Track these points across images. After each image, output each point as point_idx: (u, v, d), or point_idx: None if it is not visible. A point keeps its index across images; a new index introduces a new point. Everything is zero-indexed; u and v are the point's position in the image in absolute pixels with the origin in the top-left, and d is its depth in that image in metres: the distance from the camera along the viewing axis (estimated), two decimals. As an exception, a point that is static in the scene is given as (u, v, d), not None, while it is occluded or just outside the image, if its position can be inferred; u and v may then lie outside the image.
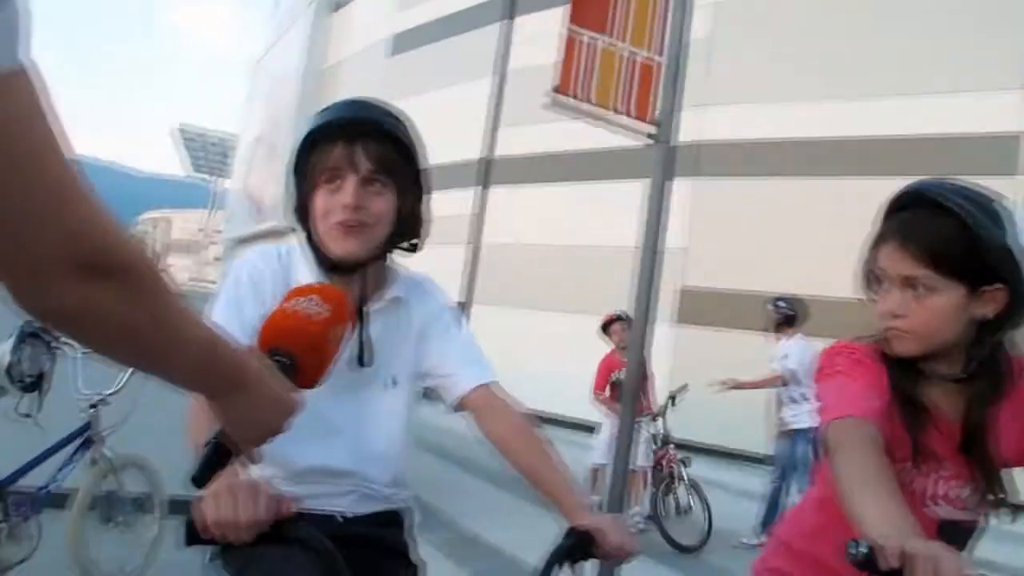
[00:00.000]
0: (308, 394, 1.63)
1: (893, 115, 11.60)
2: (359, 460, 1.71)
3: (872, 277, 1.56)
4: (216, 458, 0.95)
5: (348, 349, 1.69)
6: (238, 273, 1.70)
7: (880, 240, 1.54)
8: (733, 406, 12.32)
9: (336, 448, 1.68)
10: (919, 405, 1.51)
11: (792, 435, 6.69)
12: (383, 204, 1.67)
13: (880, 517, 1.18)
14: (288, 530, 1.24)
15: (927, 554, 1.05)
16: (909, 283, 1.48)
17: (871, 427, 1.38)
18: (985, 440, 1.50)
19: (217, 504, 1.22)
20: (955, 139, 10.93)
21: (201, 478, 0.95)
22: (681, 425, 12.53)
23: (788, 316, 7.02)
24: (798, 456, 6.59)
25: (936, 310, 1.47)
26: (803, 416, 6.42)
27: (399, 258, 1.86)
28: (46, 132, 0.60)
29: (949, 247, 1.44)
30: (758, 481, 10.58)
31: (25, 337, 3.55)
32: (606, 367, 7.49)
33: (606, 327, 7.39)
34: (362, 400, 1.73)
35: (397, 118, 1.72)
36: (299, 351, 1.01)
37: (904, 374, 1.53)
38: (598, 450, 7.43)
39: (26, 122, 0.58)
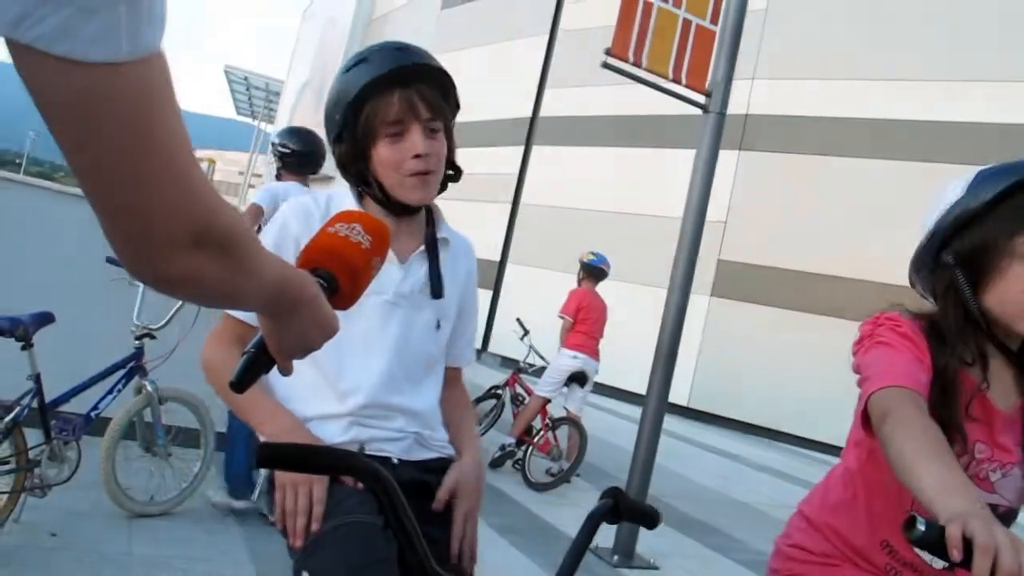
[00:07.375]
0: (367, 322, 1.71)
1: (945, 99, 11.33)
2: (412, 391, 1.77)
3: (985, 257, 1.52)
4: (257, 364, 0.98)
5: (409, 280, 1.77)
6: (286, 217, 1.74)
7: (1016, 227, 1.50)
8: (756, 379, 12.33)
9: (395, 379, 1.74)
10: (959, 384, 1.51)
11: None
12: (441, 147, 1.75)
13: (943, 490, 1.14)
14: (347, 460, 1.28)
15: (986, 544, 1.01)
16: None
17: (920, 399, 1.37)
18: None
19: (284, 495, 1.53)
20: (1008, 127, 10.66)
21: (240, 382, 0.98)
22: (706, 397, 12.61)
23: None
24: None
25: None
26: None
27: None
28: (173, 113, 0.63)
29: None
30: (775, 456, 10.63)
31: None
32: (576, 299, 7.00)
33: None
34: (415, 331, 1.78)
35: (432, 57, 1.77)
36: (340, 274, 1.02)
37: (950, 352, 1.52)
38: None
39: (156, 103, 0.61)
